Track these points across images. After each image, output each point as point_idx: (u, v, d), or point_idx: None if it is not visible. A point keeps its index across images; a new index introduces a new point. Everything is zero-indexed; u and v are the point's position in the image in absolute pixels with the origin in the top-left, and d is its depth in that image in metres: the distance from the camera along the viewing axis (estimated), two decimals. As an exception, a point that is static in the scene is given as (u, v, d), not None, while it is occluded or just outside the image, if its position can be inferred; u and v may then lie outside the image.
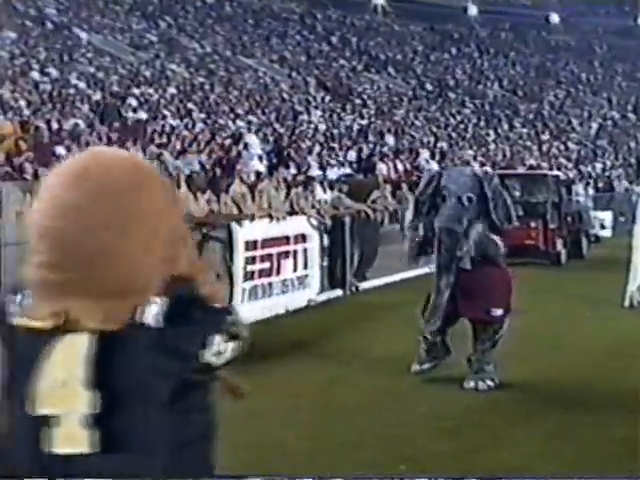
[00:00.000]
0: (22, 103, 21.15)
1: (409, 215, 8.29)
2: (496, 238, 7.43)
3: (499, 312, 7.29)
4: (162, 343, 1.73)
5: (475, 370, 7.35)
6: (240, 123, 26.27)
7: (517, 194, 17.41)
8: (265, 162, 22.16)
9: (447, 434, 6.06)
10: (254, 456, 5.44)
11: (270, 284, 10.76)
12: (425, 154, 30.06)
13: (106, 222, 1.71)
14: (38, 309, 1.74)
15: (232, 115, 27.09)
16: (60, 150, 17.63)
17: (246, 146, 23.72)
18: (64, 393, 1.74)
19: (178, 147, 21.00)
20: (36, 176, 15.89)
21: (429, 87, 43.84)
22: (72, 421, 1.73)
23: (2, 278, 10.45)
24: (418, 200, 7.73)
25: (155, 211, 1.78)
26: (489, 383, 7.26)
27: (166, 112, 24.90)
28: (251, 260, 10.33)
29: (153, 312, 1.74)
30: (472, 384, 7.26)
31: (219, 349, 1.79)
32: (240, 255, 10.11)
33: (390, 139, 30.37)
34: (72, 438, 1.73)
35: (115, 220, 1.72)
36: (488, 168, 8.49)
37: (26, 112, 20.51)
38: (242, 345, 1.85)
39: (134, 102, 25.03)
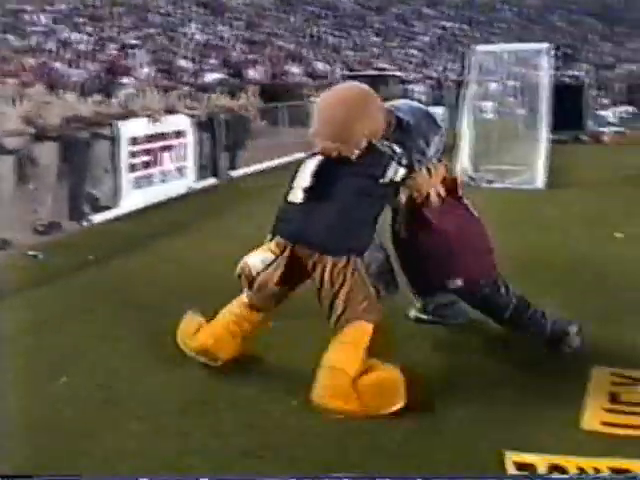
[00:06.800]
0: None
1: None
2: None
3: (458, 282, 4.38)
4: (357, 170, 3.83)
5: None
6: (125, 36, 25.10)
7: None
8: (150, 69, 21.43)
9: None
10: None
11: (151, 175, 10.53)
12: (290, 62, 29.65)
13: (343, 110, 3.84)
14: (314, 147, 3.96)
15: (118, 29, 25.81)
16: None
17: (133, 56, 22.84)
18: (296, 185, 3.90)
19: (69, 57, 19.97)
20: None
21: (292, 1, 42.88)
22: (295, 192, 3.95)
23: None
24: None
25: (365, 112, 3.87)
26: None
27: (57, 27, 23.54)
28: (134, 154, 10.05)
29: (355, 152, 3.80)
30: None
31: (395, 171, 3.83)
32: (124, 150, 9.80)
33: (257, 48, 29.72)
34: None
35: (347, 111, 3.83)
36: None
37: None
38: (408, 170, 3.97)
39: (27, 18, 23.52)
